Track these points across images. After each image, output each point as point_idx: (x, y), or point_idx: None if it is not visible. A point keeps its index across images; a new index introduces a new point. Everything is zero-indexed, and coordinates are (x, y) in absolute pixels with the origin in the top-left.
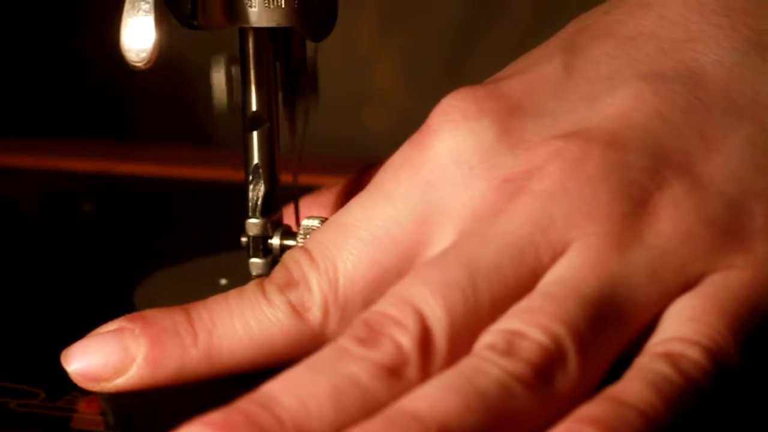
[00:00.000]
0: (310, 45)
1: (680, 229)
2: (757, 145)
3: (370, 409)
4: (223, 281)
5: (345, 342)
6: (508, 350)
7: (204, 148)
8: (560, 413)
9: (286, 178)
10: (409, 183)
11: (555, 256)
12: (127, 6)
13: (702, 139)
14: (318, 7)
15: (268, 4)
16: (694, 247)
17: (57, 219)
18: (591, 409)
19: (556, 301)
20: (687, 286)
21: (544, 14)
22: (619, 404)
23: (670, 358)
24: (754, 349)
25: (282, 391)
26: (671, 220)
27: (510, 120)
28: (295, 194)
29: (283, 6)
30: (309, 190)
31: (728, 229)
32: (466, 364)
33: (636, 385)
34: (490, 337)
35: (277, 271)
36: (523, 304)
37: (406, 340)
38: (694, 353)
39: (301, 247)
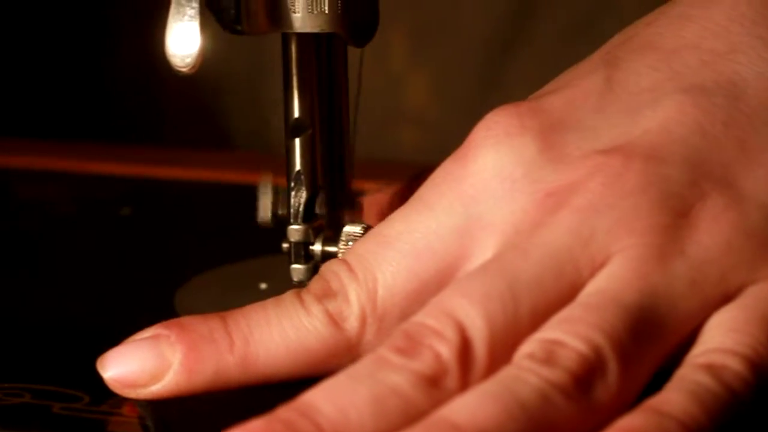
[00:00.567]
0: (351, 51)
1: (720, 241)
2: None
3: (409, 418)
4: (263, 285)
5: (385, 352)
6: (548, 359)
7: (250, 152)
8: (599, 424)
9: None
10: (452, 196)
11: (595, 269)
12: (172, 11)
13: (742, 152)
14: (361, 13)
15: (312, 9)
16: (734, 259)
17: (95, 223)
18: (632, 420)
19: (596, 311)
20: (727, 297)
21: (575, 28)
22: (661, 415)
23: (711, 369)
24: None
25: (322, 399)
26: (711, 232)
27: (552, 135)
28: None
29: (326, 12)
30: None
31: None
32: (505, 374)
33: (677, 396)
34: (529, 346)
35: (315, 282)
36: (563, 314)
37: (446, 351)
38: (735, 364)
39: (340, 258)
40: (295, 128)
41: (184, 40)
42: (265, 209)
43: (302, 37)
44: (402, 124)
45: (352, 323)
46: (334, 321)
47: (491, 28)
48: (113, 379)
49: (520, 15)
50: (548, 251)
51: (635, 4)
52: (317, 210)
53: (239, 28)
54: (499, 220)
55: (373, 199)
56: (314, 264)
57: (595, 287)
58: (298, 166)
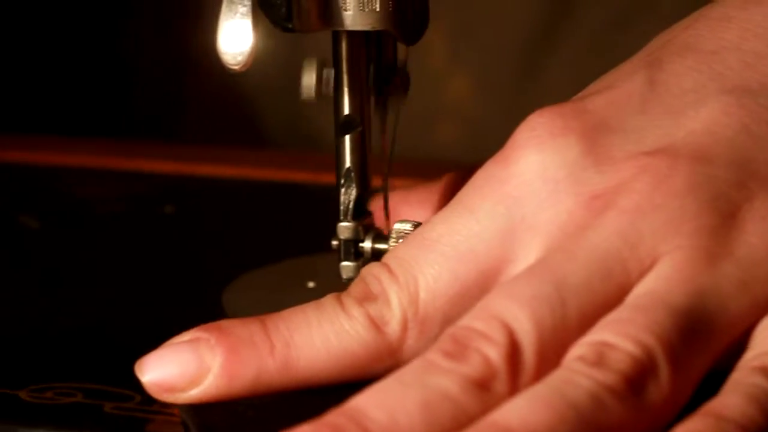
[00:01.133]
0: (401, 48)
1: None
2: None
3: (459, 423)
4: (311, 284)
5: (433, 356)
6: (599, 361)
7: (300, 151)
8: (652, 426)
9: (375, 181)
10: (494, 198)
11: (643, 272)
12: (224, 9)
13: None
14: (412, 11)
15: (363, 7)
16: None
17: (138, 221)
18: (692, 425)
19: (645, 312)
20: None
21: (614, 25)
22: (719, 419)
23: (766, 371)
24: None
25: (371, 404)
26: (759, 232)
27: (595, 136)
28: (385, 197)
29: (378, 9)
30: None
31: None
32: (555, 377)
33: (735, 399)
34: (579, 349)
35: (356, 285)
36: (612, 316)
37: (495, 354)
38: None
39: (380, 262)
40: (345, 125)
41: (235, 37)
42: (308, 86)
43: (353, 34)
44: (442, 122)
45: (393, 327)
46: (376, 325)
47: (531, 25)
48: (151, 382)
49: (559, 13)
50: (596, 254)
51: (671, 1)
52: (368, 207)
53: (290, 25)
54: (543, 222)
55: (402, 197)
56: (364, 261)
57: (643, 289)
58: (348, 164)
